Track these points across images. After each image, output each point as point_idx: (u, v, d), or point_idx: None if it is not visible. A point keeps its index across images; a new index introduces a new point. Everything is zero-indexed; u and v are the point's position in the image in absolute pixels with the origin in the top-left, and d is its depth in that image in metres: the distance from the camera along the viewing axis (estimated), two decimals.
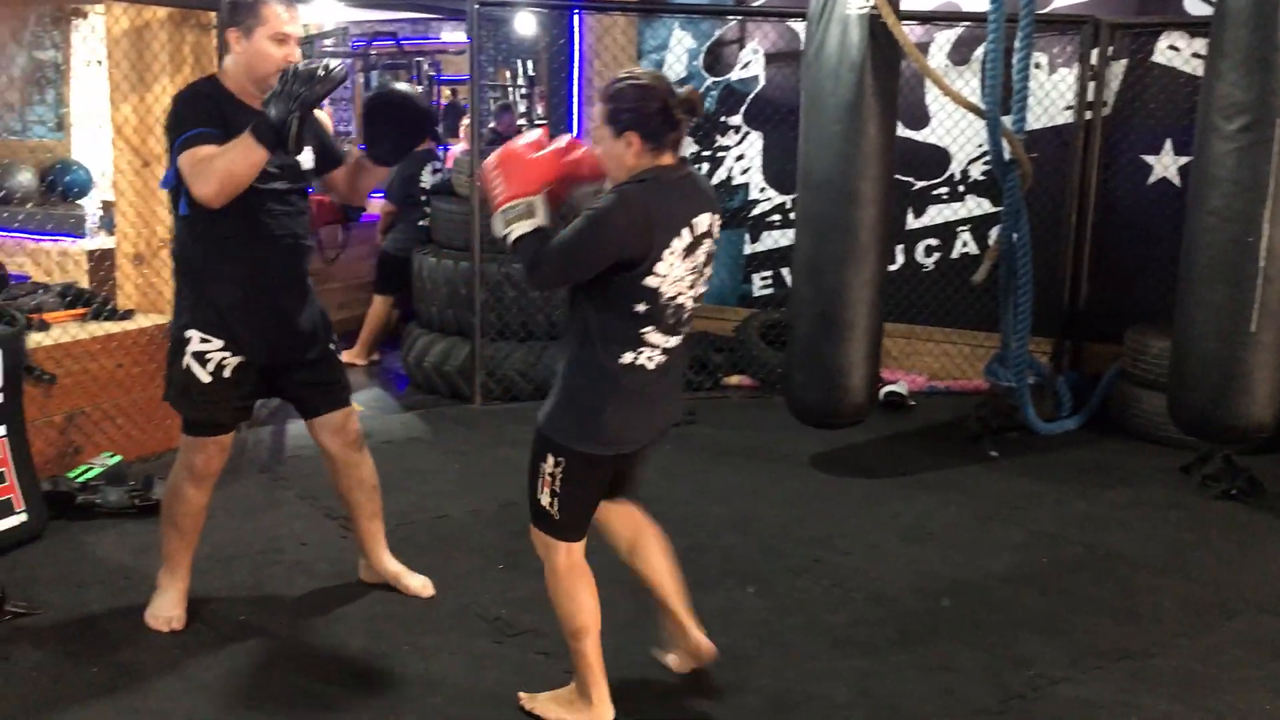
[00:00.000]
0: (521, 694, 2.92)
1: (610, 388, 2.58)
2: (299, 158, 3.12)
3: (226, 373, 3.14)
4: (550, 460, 2.64)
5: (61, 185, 6.07)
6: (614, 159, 2.57)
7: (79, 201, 6.15)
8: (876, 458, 5.02)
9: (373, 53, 12.46)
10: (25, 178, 6.24)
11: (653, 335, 2.58)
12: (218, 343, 3.11)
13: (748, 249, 6.63)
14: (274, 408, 5.52)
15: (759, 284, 6.65)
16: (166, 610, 3.28)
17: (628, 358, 2.57)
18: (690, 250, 2.56)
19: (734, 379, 6.09)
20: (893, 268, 6.19)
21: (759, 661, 3.20)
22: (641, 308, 2.54)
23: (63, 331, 4.36)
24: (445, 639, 3.26)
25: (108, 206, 5.53)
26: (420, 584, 3.52)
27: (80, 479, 4.10)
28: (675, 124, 2.55)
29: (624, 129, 2.53)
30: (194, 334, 3.11)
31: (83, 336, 4.38)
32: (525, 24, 10.92)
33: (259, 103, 2.94)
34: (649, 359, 2.59)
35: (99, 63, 5.21)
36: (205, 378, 3.12)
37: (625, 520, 2.95)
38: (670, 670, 3.07)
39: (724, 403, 5.87)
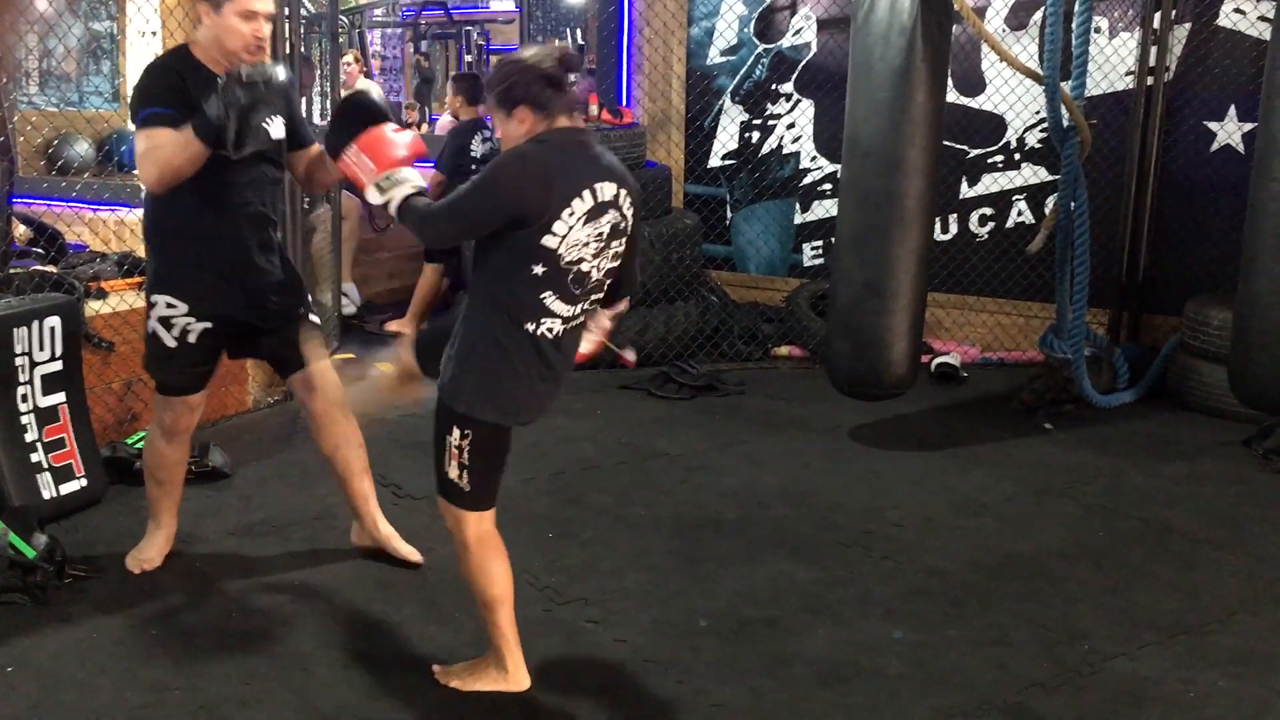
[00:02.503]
0: (435, 667, 2.91)
1: (512, 358, 2.57)
2: (268, 127, 3.09)
3: (191, 338, 3.20)
4: (456, 433, 2.63)
5: (118, 155, 6.14)
6: (511, 138, 2.58)
7: (135, 171, 6.22)
8: (928, 430, 4.97)
9: (422, 22, 12.47)
10: (82, 148, 6.32)
11: (553, 303, 2.56)
12: (182, 307, 3.17)
13: (798, 219, 6.57)
14: None
15: (809, 254, 6.59)
16: (143, 553, 3.42)
17: (529, 327, 2.56)
18: (592, 216, 2.53)
19: (784, 350, 6.05)
20: (945, 237, 6.12)
21: (810, 633, 3.18)
22: (540, 269, 2.51)
23: (120, 300, 4.42)
24: None
25: None
26: (409, 551, 3.52)
27: (138, 445, 4.15)
28: (560, 86, 2.53)
29: (513, 105, 2.54)
30: (160, 299, 3.18)
31: (140, 305, 4.42)
32: None
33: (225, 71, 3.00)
34: (549, 329, 2.58)
35: (153, 33, 5.25)
36: (170, 342, 3.20)
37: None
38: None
39: (774, 373, 5.84)
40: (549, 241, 2.50)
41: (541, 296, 2.55)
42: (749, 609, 3.31)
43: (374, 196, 2.67)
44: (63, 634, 3.05)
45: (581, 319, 2.69)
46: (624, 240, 2.66)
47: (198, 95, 2.95)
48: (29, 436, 3.70)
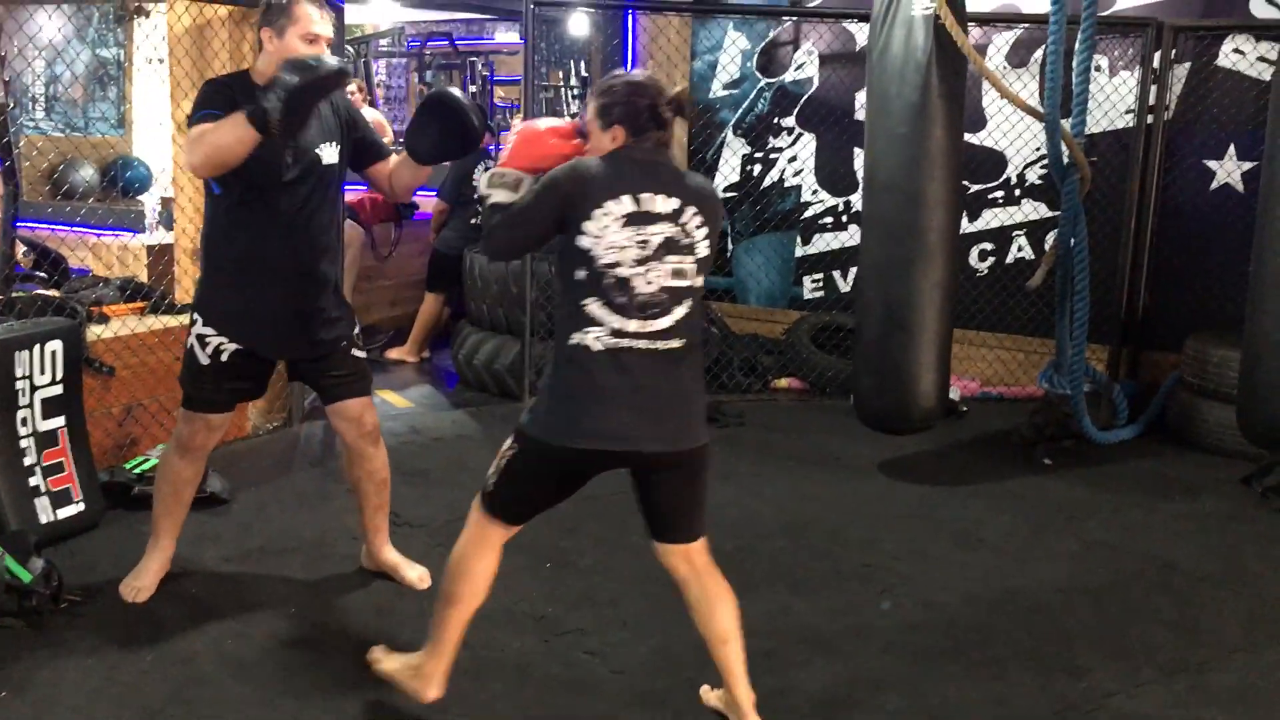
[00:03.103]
0: (374, 649, 2.93)
1: (561, 373, 2.56)
2: (319, 152, 3.17)
3: (224, 357, 3.23)
4: (510, 440, 2.65)
5: (122, 181, 6.17)
6: (598, 152, 2.59)
7: (139, 197, 6.25)
8: (928, 463, 4.96)
9: (427, 53, 12.54)
10: (87, 173, 6.36)
11: (598, 310, 2.49)
12: (216, 330, 3.22)
13: (799, 251, 6.59)
14: None
15: (810, 287, 6.61)
16: (138, 581, 3.41)
17: (575, 338, 2.51)
18: (633, 221, 2.48)
19: (783, 382, 6.05)
20: None
21: (808, 666, 3.17)
22: (581, 274, 2.49)
23: (122, 325, 4.43)
24: (492, 636, 3.27)
25: (166, 203, 5.61)
26: (418, 575, 3.55)
27: (137, 470, 4.15)
28: (662, 123, 2.57)
29: (612, 122, 2.56)
30: (199, 316, 3.24)
31: (141, 330, 4.45)
32: (578, 25, 10.94)
33: None
34: (595, 339, 2.49)
35: (160, 60, 5.29)
36: (204, 359, 3.24)
37: (684, 571, 2.74)
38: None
39: (773, 405, 5.84)
40: (583, 241, 2.48)
41: (584, 303, 2.50)
42: (747, 641, 3.26)
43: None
44: (58, 659, 3.04)
45: (662, 347, 2.52)
46: (689, 259, 2.54)
47: None
48: (28, 460, 3.69)
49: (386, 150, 3.39)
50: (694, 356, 2.62)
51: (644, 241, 2.49)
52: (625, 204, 2.49)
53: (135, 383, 4.39)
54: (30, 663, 3.01)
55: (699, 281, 2.58)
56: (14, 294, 4.33)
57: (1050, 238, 5.80)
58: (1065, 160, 4.72)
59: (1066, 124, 4.71)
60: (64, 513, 3.76)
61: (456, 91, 3.33)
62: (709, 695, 2.94)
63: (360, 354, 3.44)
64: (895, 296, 4.43)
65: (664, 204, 2.51)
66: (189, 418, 3.34)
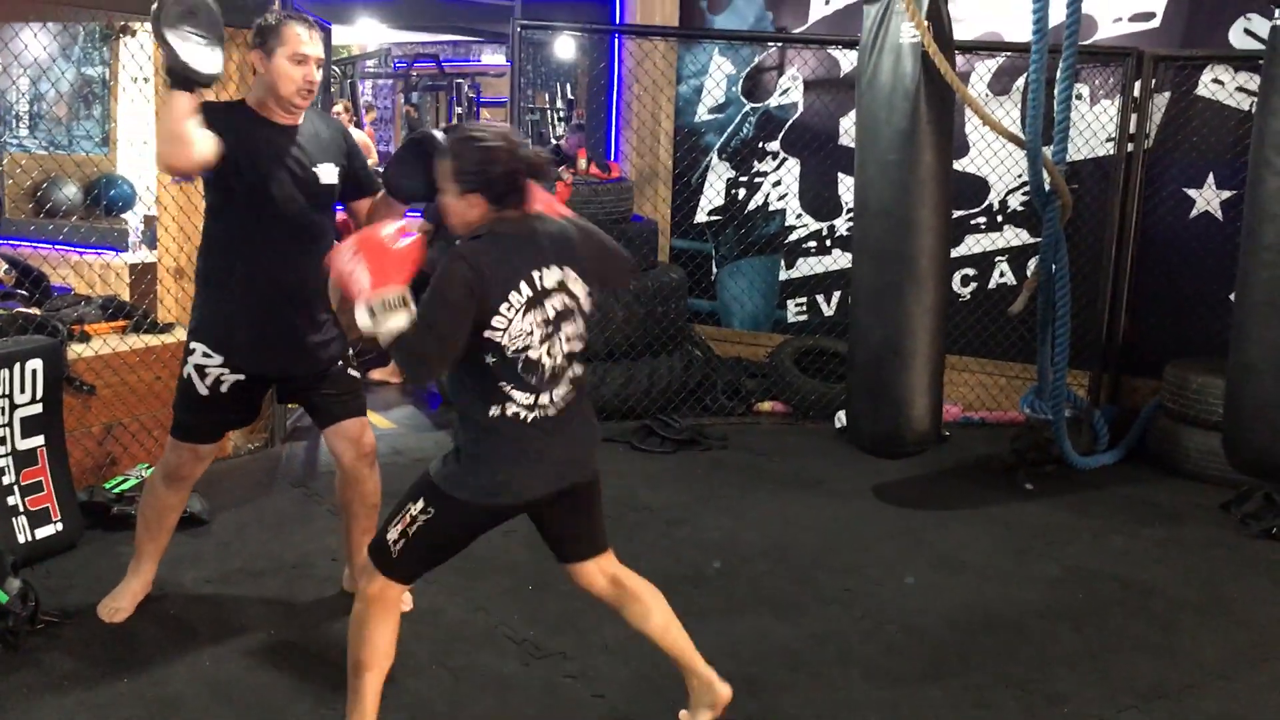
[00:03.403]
0: None
1: (488, 438, 2.53)
2: (317, 170, 3.17)
3: (223, 388, 3.21)
4: (420, 504, 2.58)
5: (106, 199, 6.15)
6: (456, 215, 2.54)
7: (122, 216, 6.23)
8: (910, 487, 4.97)
9: (414, 74, 12.58)
10: (70, 191, 6.34)
11: (511, 390, 2.51)
12: (217, 358, 3.19)
13: (783, 275, 6.62)
14: (310, 423, 5.56)
15: (793, 310, 6.63)
16: (116, 601, 3.39)
17: (494, 411, 2.51)
18: (532, 305, 2.50)
19: (766, 405, 6.06)
20: None
21: (789, 690, 3.17)
22: (490, 359, 2.49)
23: (103, 343, 4.41)
24: (473, 659, 3.25)
25: (150, 221, 5.60)
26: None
27: (116, 490, 4.13)
28: (520, 190, 2.52)
29: (467, 190, 2.50)
30: (197, 345, 3.20)
31: (123, 349, 4.43)
32: (565, 48, 11.00)
33: (279, 117, 3.11)
34: (514, 414, 2.52)
35: (145, 79, 5.29)
36: (203, 390, 3.21)
37: (599, 580, 2.84)
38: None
39: (756, 429, 5.84)
40: (491, 335, 2.48)
41: (499, 384, 2.52)
42: (729, 665, 3.28)
43: (363, 319, 2.43)
44: (34, 681, 3.01)
45: (569, 401, 2.61)
46: (579, 320, 2.61)
47: (247, 136, 3.03)
48: (6, 479, 3.67)
49: (374, 187, 3.39)
50: (584, 392, 2.69)
51: (545, 320, 2.53)
52: (524, 291, 2.49)
53: (116, 402, 4.37)
54: (6, 684, 2.98)
55: (585, 334, 2.64)
56: None
57: (1032, 264, 5.83)
58: (1046, 187, 4.76)
59: (1048, 151, 4.75)
60: (42, 532, 3.73)
61: (439, 133, 3.35)
62: (685, 716, 2.93)
63: (355, 373, 3.43)
64: (888, 321, 4.45)
65: (550, 277, 2.53)
66: (177, 447, 3.30)
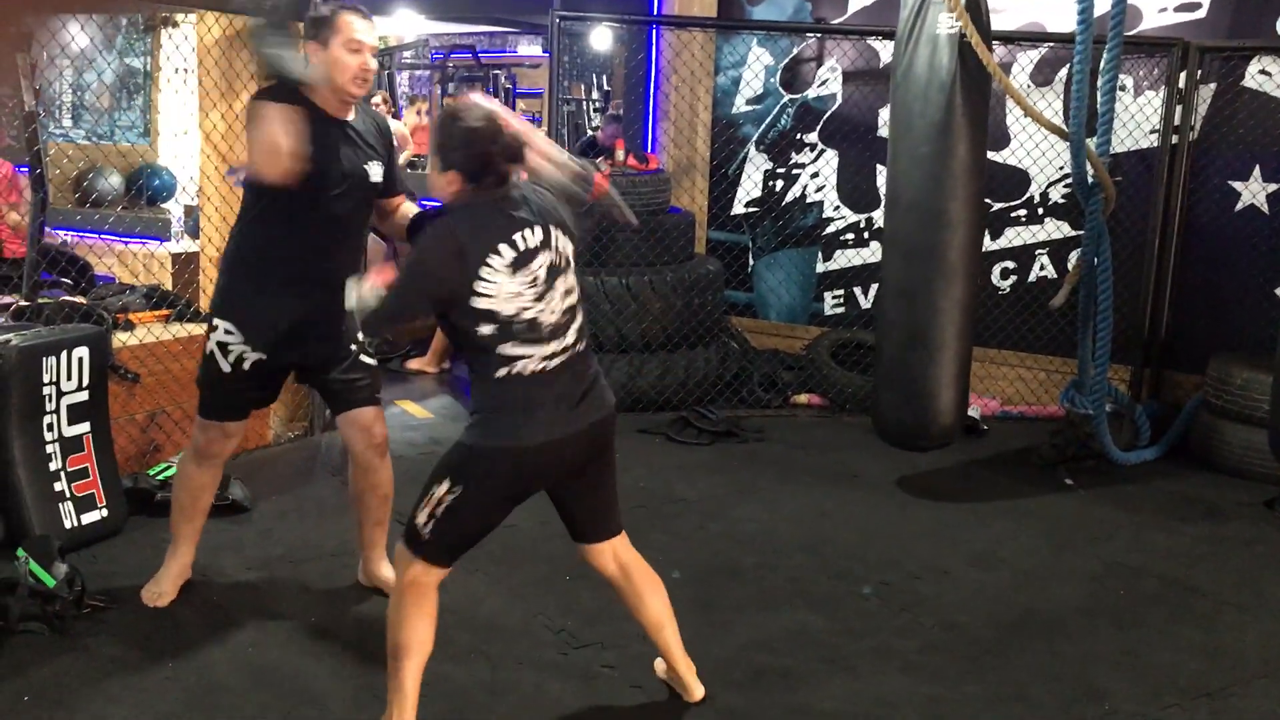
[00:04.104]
0: None
1: (501, 393, 2.60)
2: (368, 169, 3.20)
3: (246, 365, 3.24)
4: (445, 485, 2.62)
5: (147, 189, 6.22)
6: (438, 187, 2.64)
7: (164, 205, 6.31)
8: (948, 482, 4.94)
9: (450, 65, 12.61)
10: (113, 181, 6.42)
11: (512, 349, 2.58)
12: (239, 336, 3.22)
13: (820, 267, 6.59)
14: None
15: (830, 303, 6.60)
16: (157, 586, 3.43)
17: (500, 372, 2.59)
18: (521, 264, 2.56)
19: (803, 398, 6.04)
20: None
21: (826, 684, 3.16)
22: (486, 329, 2.56)
23: (147, 332, 4.47)
24: (511, 648, 3.27)
25: (191, 211, 5.66)
26: None
27: (160, 476, 4.18)
28: (496, 170, 2.60)
29: (448, 166, 2.60)
30: (220, 323, 3.24)
31: (166, 337, 4.48)
32: (601, 39, 10.99)
33: (334, 109, 3.12)
34: (523, 368, 2.59)
35: (186, 70, 5.34)
36: (225, 367, 3.24)
37: (610, 564, 2.91)
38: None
39: (793, 421, 5.83)
40: (481, 303, 2.54)
41: (499, 350, 2.58)
42: (764, 658, 3.29)
43: (357, 301, 2.61)
44: (79, 665, 3.05)
45: (569, 350, 2.66)
46: (570, 274, 2.68)
47: (306, 129, 3.01)
48: (53, 465, 3.72)
49: (400, 189, 3.41)
50: (587, 342, 2.77)
51: (534, 279, 2.59)
52: (506, 253, 2.55)
53: (159, 390, 4.42)
54: (53, 668, 3.02)
55: (578, 285, 2.73)
56: (41, 300, 4.37)
57: (1073, 257, 5.78)
58: (1090, 179, 4.70)
59: (1091, 143, 4.70)
60: (88, 518, 3.79)
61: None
62: (660, 667, 3.05)
63: (371, 360, 3.44)
64: (916, 314, 4.43)
65: (534, 236, 2.60)
66: (206, 426, 3.35)
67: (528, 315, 2.58)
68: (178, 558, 3.47)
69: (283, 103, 3.07)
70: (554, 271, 2.63)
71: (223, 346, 3.24)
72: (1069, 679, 3.23)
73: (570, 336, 2.67)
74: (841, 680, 3.19)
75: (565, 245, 2.68)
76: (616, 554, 2.90)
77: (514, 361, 2.59)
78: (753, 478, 4.89)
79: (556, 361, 2.64)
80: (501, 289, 2.54)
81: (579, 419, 2.68)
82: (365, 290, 2.58)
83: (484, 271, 2.53)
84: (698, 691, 3.00)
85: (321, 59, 3.09)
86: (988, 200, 6.05)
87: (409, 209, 3.34)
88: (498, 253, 2.54)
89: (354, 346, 3.37)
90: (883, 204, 4.61)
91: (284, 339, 3.24)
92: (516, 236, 2.57)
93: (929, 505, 4.65)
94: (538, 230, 2.61)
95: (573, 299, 2.69)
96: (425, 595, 2.69)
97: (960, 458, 5.25)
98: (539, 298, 2.60)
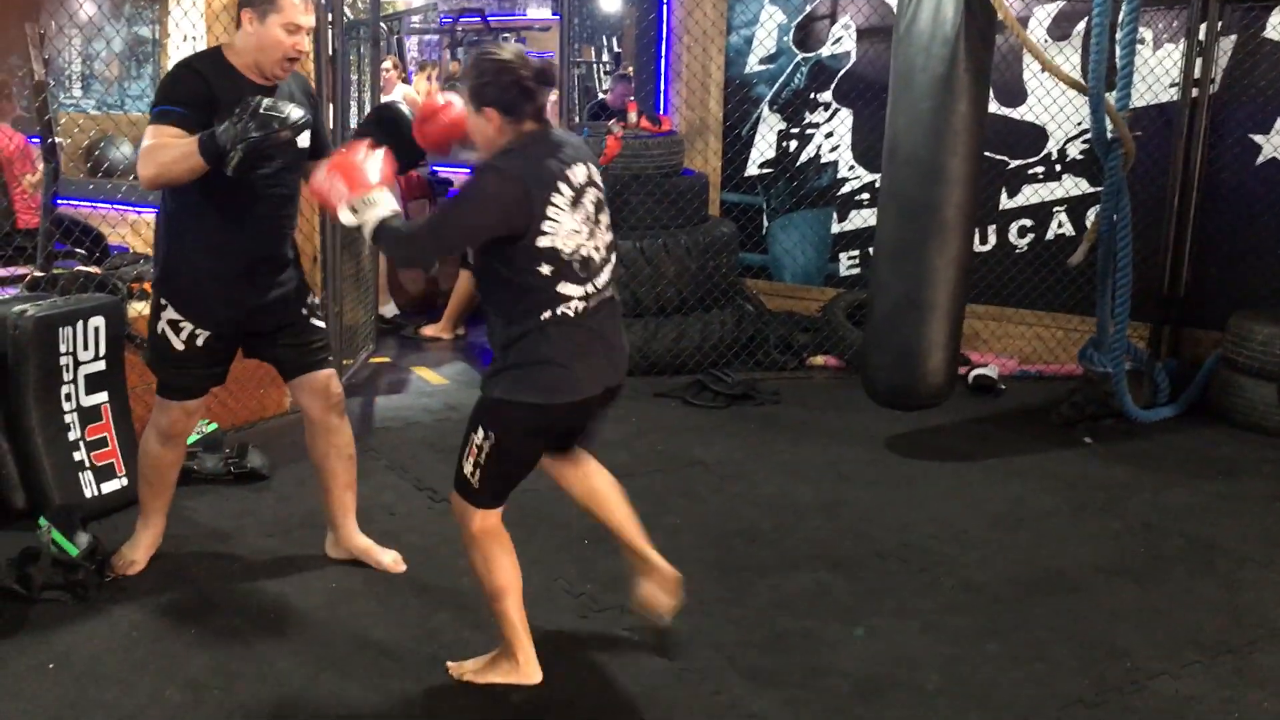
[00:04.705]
0: (449, 663, 2.94)
1: (544, 340, 2.63)
2: (297, 139, 3.08)
3: (199, 341, 3.21)
4: (481, 432, 2.69)
5: None
6: (479, 133, 2.68)
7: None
8: (966, 442, 4.92)
9: (459, 29, 12.52)
10: (125, 150, 6.41)
11: (565, 288, 2.63)
12: (188, 317, 3.19)
13: (835, 228, 6.54)
14: (363, 379, 5.61)
15: (846, 263, 6.56)
16: (130, 554, 3.43)
17: (546, 314, 2.63)
18: (576, 201, 2.63)
19: (819, 359, 6.02)
20: (984, 248, 6.08)
21: (847, 645, 3.16)
22: (546, 269, 2.60)
23: None
24: (531, 613, 3.24)
25: None
26: (392, 560, 3.51)
27: None
28: (531, 94, 2.63)
29: (483, 104, 2.63)
30: (168, 304, 3.20)
31: None
32: (610, 1, 10.90)
33: (258, 78, 3.06)
34: (570, 308, 2.64)
35: (194, 39, 5.30)
36: (179, 345, 3.21)
37: (577, 473, 3.03)
38: (648, 612, 3.10)
39: (809, 383, 5.81)
40: (545, 242, 2.59)
41: (555, 289, 2.62)
42: (785, 619, 3.29)
43: (347, 218, 2.69)
44: (103, 632, 3.08)
45: (606, 291, 2.74)
46: (607, 210, 2.76)
47: (223, 98, 2.96)
48: (72, 435, 3.74)
49: (330, 148, 3.34)
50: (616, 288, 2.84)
51: (588, 216, 2.68)
52: (565, 192, 2.61)
53: None
54: (77, 635, 3.05)
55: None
56: (56, 270, 4.37)
57: (1091, 214, 5.72)
58: (1109, 135, 4.64)
59: (1110, 98, 4.63)
60: (108, 487, 3.81)
61: (404, 107, 3.33)
62: (639, 596, 3.12)
63: (320, 323, 3.41)
64: (909, 272, 4.39)
65: (580, 173, 2.66)
66: (165, 406, 3.31)
67: (583, 252, 2.64)
68: (149, 528, 3.47)
69: (206, 70, 3.05)
70: (599, 206, 2.71)
71: (174, 324, 3.20)
72: (1090, 638, 3.23)
73: (606, 275, 2.73)
74: (862, 641, 3.19)
75: (599, 179, 2.74)
76: (580, 463, 3.03)
77: (563, 302, 2.63)
78: (770, 440, 4.88)
79: (595, 302, 2.69)
80: (563, 226, 2.60)
81: (613, 372, 2.78)
82: (359, 204, 2.64)
83: (550, 210, 2.58)
84: (669, 569, 3.06)
85: (255, 31, 3.03)
86: (1005, 158, 6.00)
87: None
88: (559, 190, 2.59)
89: (304, 310, 3.34)
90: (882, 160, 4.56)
91: (228, 310, 3.20)
92: (569, 173, 2.63)
93: (947, 466, 4.64)
94: (581, 167, 2.67)
95: (611, 234, 2.77)
96: (499, 535, 2.80)
97: (978, 417, 5.23)
98: (590, 234, 2.67)
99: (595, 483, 3.03)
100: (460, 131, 2.87)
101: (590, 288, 2.68)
